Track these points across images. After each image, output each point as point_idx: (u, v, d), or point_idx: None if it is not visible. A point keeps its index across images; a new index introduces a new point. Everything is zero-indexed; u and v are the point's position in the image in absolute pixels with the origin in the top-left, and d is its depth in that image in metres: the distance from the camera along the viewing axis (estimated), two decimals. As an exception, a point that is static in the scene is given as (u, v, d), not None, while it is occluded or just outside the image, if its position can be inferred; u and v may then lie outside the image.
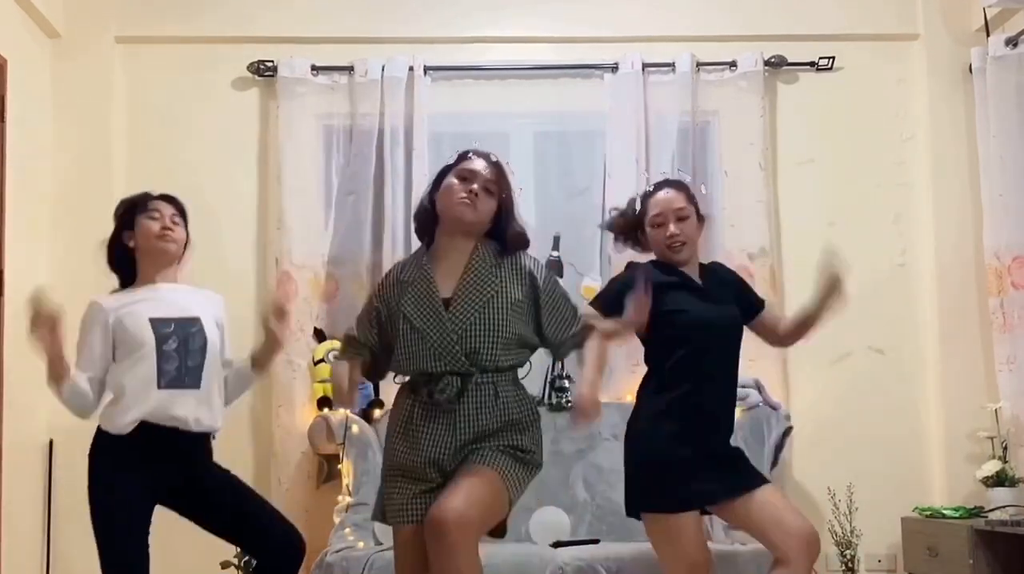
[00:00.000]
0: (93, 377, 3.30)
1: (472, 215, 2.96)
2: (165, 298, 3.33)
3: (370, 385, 4.60)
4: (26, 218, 4.41)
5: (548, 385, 4.60)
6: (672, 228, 3.30)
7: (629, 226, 3.44)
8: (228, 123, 4.85)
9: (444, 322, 2.90)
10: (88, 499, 3.27)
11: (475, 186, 2.96)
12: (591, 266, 4.79)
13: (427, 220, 3.08)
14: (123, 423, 3.23)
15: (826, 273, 3.31)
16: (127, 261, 3.39)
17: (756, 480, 3.23)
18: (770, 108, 4.90)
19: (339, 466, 4.37)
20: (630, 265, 3.46)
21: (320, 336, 4.65)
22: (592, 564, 3.74)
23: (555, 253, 4.78)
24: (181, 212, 3.42)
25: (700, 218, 3.40)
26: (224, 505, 3.32)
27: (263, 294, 4.77)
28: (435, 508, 2.76)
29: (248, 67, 4.83)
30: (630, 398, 4.62)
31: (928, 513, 4.44)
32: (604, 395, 4.62)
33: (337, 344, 4.57)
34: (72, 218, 4.67)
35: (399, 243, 4.71)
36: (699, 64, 4.85)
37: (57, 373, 3.22)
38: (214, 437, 3.40)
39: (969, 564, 4.07)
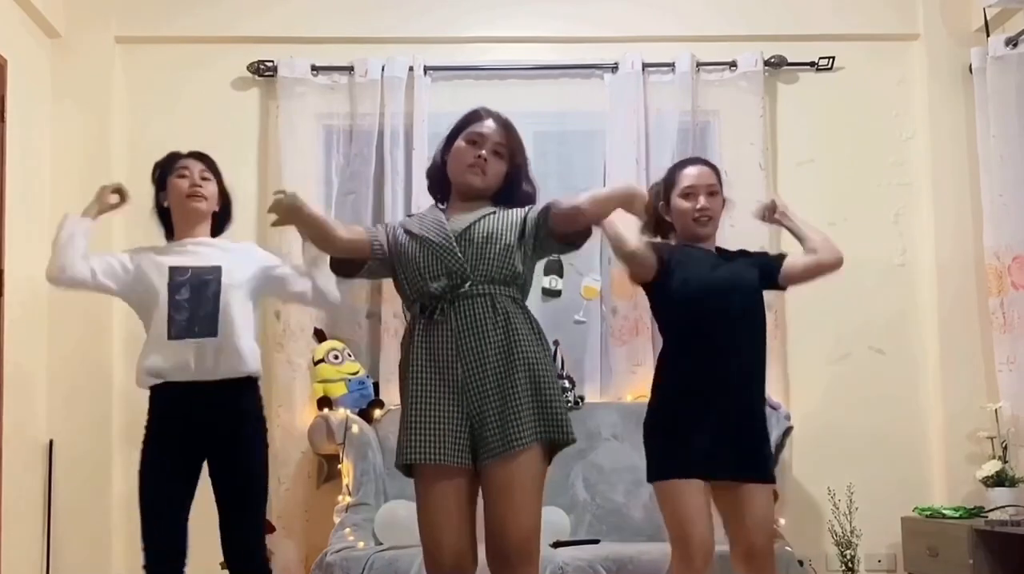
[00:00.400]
0: (95, 267, 3.33)
1: (481, 182, 2.90)
2: (189, 251, 3.37)
3: (370, 385, 4.61)
4: (26, 218, 4.41)
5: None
6: (703, 201, 3.27)
7: (653, 210, 3.33)
8: (228, 123, 4.84)
9: (445, 234, 2.83)
10: None
11: (483, 151, 2.89)
12: (591, 266, 4.79)
13: (439, 179, 3.00)
14: (141, 376, 3.29)
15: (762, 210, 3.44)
16: (168, 220, 3.48)
17: (766, 476, 3.16)
18: (770, 108, 4.90)
19: (339, 466, 4.37)
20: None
21: (320, 336, 4.65)
22: (592, 564, 3.74)
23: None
24: (211, 167, 3.47)
25: (724, 200, 3.39)
26: (226, 483, 3.28)
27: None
28: (492, 546, 2.68)
29: (248, 67, 4.83)
30: (630, 398, 4.64)
31: (928, 513, 4.44)
32: (604, 395, 4.69)
33: (338, 344, 4.60)
34: (72, 218, 4.67)
35: (399, 243, 4.71)
36: (699, 64, 4.85)
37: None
38: (256, 381, 3.37)
39: (969, 564, 4.07)
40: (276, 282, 3.47)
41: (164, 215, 3.48)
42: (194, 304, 3.25)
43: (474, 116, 2.96)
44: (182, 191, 3.39)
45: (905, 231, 4.90)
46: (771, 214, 3.46)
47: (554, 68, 4.91)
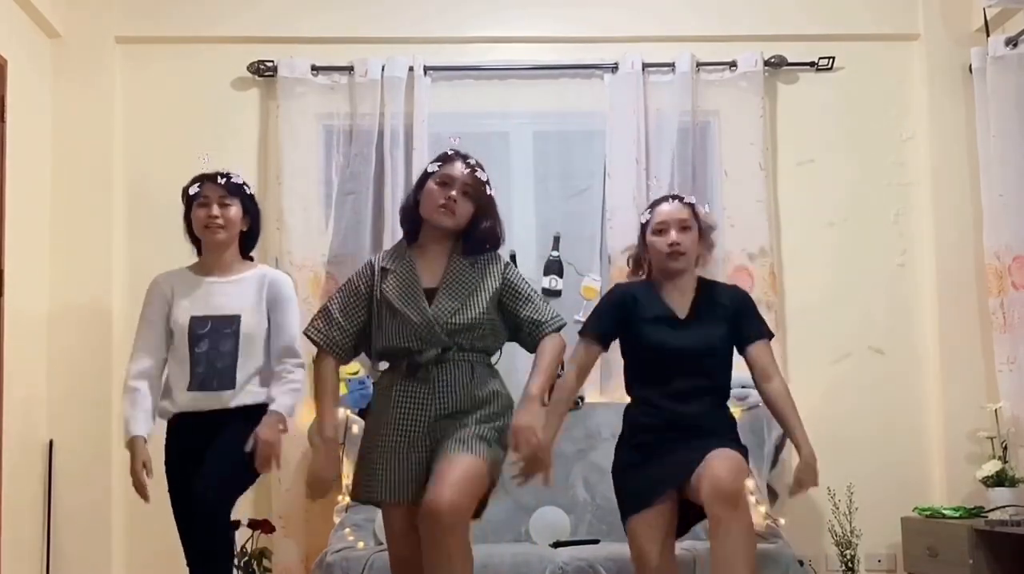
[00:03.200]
0: (151, 365, 3.51)
1: (451, 221, 3.16)
2: (211, 292, 3.50)
3: (370, 385, 4.60)
4: (26, 218, 4.41)
5: (548, 385, 4.59)
6: (674, 235, 3.38)
7: (636, 249, 3.59)
8: (228, 123, 4.84)
9: (426, 310, 3.11)
10: None
11: (453, 192, 3.15)
12: (591, 266, 4.79)
13: (413, 218, 3.25)
14: (163, 417, 3.52)
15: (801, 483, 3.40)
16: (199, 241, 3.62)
17: (706, 451, 3.17)
18: (770, 108, 4.90)
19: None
20: (615, 287, 3.69)
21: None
22: (592, 564, 3.74)
23: (555, 253, 4.78)
24: (232, 189, 3.54)
25: (702, 234, 3.47)
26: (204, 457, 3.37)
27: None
28: (428, 498, 2.90)
29: (248, 67, 4.83)
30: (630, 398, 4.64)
31: (928, 513, 4.44)
32: (604, 396, 4.69)
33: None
34: (72, 218, 4.68)
35: (399, 243, 4.71)
36: (699, 64, 4.85)
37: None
38: (269, 407, 3.45)
39: (969, 564, 4.08)
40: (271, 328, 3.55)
41: (195, 237, 3.60)
42: (213, 356, 3.42)
43: (444, 158, 3.22)
44: (201, 222, 3.51)
45: (905, 231, 4.90)
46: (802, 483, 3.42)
47: (554, 68, 4.91)
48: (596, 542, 4.12)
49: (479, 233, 3.20)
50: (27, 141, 4.46)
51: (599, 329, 3.48)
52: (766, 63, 4.86)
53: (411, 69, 4.79)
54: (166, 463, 3.50)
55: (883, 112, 4.95)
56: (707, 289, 3.48)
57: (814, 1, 4.93)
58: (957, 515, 4.34)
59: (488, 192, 3.22)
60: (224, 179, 3.55)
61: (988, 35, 4.73)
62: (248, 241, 3.64)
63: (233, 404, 3.44)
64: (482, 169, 3.23)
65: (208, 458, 3.35)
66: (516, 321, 3.20)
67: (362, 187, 4.76)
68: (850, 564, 4.42)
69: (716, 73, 4.88)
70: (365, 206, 4.76)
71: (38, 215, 4.60)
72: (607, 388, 4.73)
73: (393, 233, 4.71)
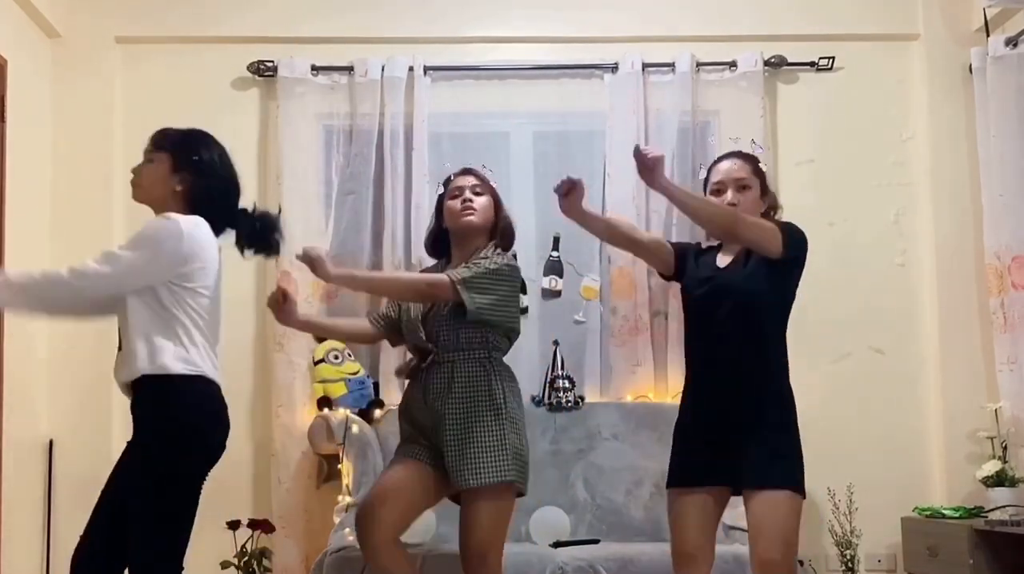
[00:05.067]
0: None
1: (478, 217, 3.39)
2: None
3: (370, 385, 4.61)
4: (26, 218, 4.41)
5: (548, 385, 4.60)
6: (730, 196, 3.16)
7: None
8: (228, 123, 4.81)
9: (417, 306, 3.39)
10: None
11: (467, 194, 3.40)
12: (591, 266, 4.80)
13: (437, 240, 3.53)
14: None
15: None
16: None
17: (765, 480, 3.00)
18: (770, 108, 4.90)
19: (339, 466, 4.37)
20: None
21: (320, 337, 4.65)
22: (592, 564, 3.74)
23: (555, 253, 4.78)
24: (157, 143, 3.11)
25: (764, 193, 3.23)
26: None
27: (262, 294, 4.77)
28: (463, 552, 3.24)
29: (248, 67, 4.83)
30: (630, 398, 4.65)
31: (928, 513, 4.44)
32: (604, 396, 4.69)
33: (338, 345, 4.60)
34: (72, 218, 4.68)
35: (399, 243, 4.72)
36: (699, 64, 4.85)
37: None
38: (155, 381, 2.88)
39: (969, 564, 4.08)
40: None
41: None
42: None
43: (448, 180, 3.50)
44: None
45: (905, 231, 4.90)
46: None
47: (554, 68, 4.91)
48: (596, 542, 4.12)
49: (505, 225, 3.46)
50: (27, 141, 4.46)
51: (673, 243, 3.33)
52: (766, 63, 4.86)
53: (411, 69, 4.79)
54: None
55: (883, 112, 4.95)
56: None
57: (814, 1, 4.93)
58: (957, 515, 4.34)
59: (494, 185, 3.48)
60: (156, 132, 3.14)
61: (988, 35, 4.73)
62: (200, 203, 3.02)
63: (123, 379, 2.94)
64: (481, 169, 3.51)
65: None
66: None
67: (362, 187, 4.76)
68: (850, 564, 4.42)
69: (716, 73, 4.88)
70: (365, 206, 4.76)
71: (38, 215, 4.60)
72: (607, 388, 4.74)
73: (393, 233, 4.72)
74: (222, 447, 3.01)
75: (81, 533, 2.91)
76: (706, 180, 3.28)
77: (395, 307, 3.51)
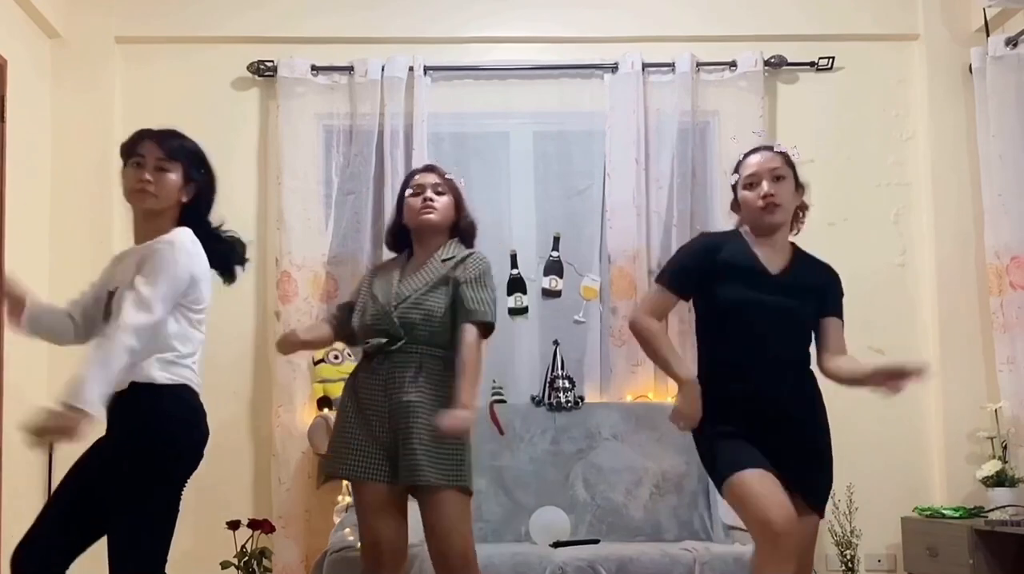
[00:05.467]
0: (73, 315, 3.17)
1: (437, 216, 3.36)
2: (116, 263, 3.06)
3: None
4: (26, 218, 4.41)
5: (548, 385, 4.60)
6: (766, 187, 3.05)
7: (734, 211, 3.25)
8: (228, 123, 4.84)
9: (390, 292, 3.28)
10: None
11: (428, 192, 3.36)
12: (591, 266, 4.80)
13: (401, 236, 3.47)
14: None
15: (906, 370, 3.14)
16: None
17: (814, 501, 3.06)
18: (770, 108, 4.90)
19: (339, 466, 4.36)
20: (700, 235, 3.35)
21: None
22: (592, 564, 3.73)
23: (555, 253, 4.78)
24: (171, 151, 3.00)
25: (799, 186, 3.15)
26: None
27: (262, 294, 4.78)
28: (434, 550, 3.17)
29: (248, 67, 4.83)
30: (630, 398, 4.64)
31: (928, 513, 4.44)
32: (604, 396, 4.69)
33: (338, 344, 4.60)
34: (72, 218, 4.68)
35: (399, 243, 4.72)
36: (699, 64, 4.85)
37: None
38: (143, 390, 2.91)
39: (969, 564, 4.08)
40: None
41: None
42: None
43: (411, 174, 3.51)
44: (130, 187, 2.99)
45: (905, 231, 4.90)
46: (901, 373, 3.18)
47: (554, 68, 4.91)
48: (596, 542, 4.11)
49: (466, 224, 3.43)
50: (27, 141, 4.46)
51: (675, 283, 3.14)
52: (766, 63, 4.85)
53: (411, 69, 4.79)
54: None
55: (883, 112, 4.95)
56: (803, 256, 3.18)
57: (814, 1, 4.93)
58: (957, 515, 4.34)
59: (460, 186, 3.44)
60: (163, 138, 3.04)
61: (988, 35, 4.73)
62: (190, 216, 3.02)
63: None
64: (443, 168, 3.49)
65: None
66: (456, 298, 3.26)
67: (362, 187, 4.76)
68: (850, 564, 4.42)
69: (716, 73, 4.88)
70: (365, 206, 4.76)
71: (38, 215, 4.60)
72: (607, 388, 4.74)
73: (393, 233, 4.72)
74: (202, 455, 2.98)
75: (27, 530, 2.87)
76: (736, 175, 3.19)
77: (359, 293, 3.41)
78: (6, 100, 4.25)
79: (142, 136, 3.10)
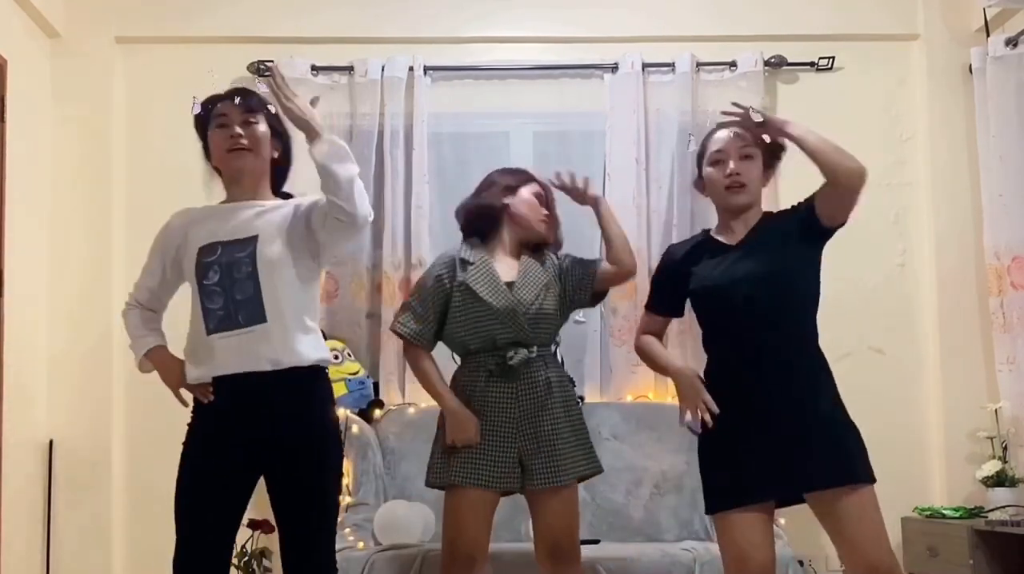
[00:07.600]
0: (141, 304, 2.96)
1: (550, 234, 3.45)
2: (229, 218, 2.85)
3: (370, 385, 4.60)
4: (26, 218, 4.41)
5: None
6: (732, 166, 2.90)
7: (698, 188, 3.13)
8: (228, 123, 4.84)
9: (508, 298, 3.24)
10: None
11: (554, 211, 3.46)
12: (591, 266, 4.79)
13: (491, 220, 3.40)
14: (189, 382, 2.83)
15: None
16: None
17: (844, 478, 2.75)
18: (770, 108, 4.90)
19: (339, 466, 4.35)
20: (668, 248, 3.27)
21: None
22: (592, 564, 3.73)
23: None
24: (255, 107, 2.92)
25: (769, 164, 2.99)
26: (285, 500, 2.80)
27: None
28: (553, 545, 3.26)
29: (248, 67, 4.82)
30: (630, 398, 4.64)
31: (928, 513, 4.44)
32: (604, 395, 4.68)
33: (338, 344, 4.60)
34: (72, 218, 4.68)
35: (399, 243, 4.71)
36: (699, 64, 4.85)
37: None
38: (322, 372, 2.88)
39: (969, 564, 4.08)
40: (308, 212, 2.86)
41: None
42: (227, 286, 2.74)
43: (534, 178, 3.51)
44: (220, 146, 2.89)
45: (905, 231, 4.90)
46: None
47: (554, 68, 4.91)
48: (596, 542, 4.11)
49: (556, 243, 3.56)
50: (27, 141, 4.46)
51: (653, 304, 3.20)
52: (766, 63, 4.85)
53: (411, 69, 4.79)
54: (187, 447, 2.84)
55: (883, 112, 4.95)
56: (772, 218, 2.99)
57: (814, 1, 4.93)
58: (957, 515, 4.34)
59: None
60: (245, 95, 2.93)
61: (988, 35, 4.73)
62: (279, 175, 3.00)
63: (273, 367, 2.72)
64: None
65: (298, 523, 2.77)
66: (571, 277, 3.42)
67: (362, 187, 4.76)
68: (850, 564, 4.42)
69: (716, 73, 4.88)
70: (365, 206, 4.75)
71: (38, 215, 4.60)
72: (607, 388, 4.74)
73: (393, 233, 4.71)
74: None
75: (179, 540, 2.77)
76: (700, 153, 3.04)
77: (434, 306, 3.29)
78: (6, 100, 4.25)
79: (214, 100, 3.00)
